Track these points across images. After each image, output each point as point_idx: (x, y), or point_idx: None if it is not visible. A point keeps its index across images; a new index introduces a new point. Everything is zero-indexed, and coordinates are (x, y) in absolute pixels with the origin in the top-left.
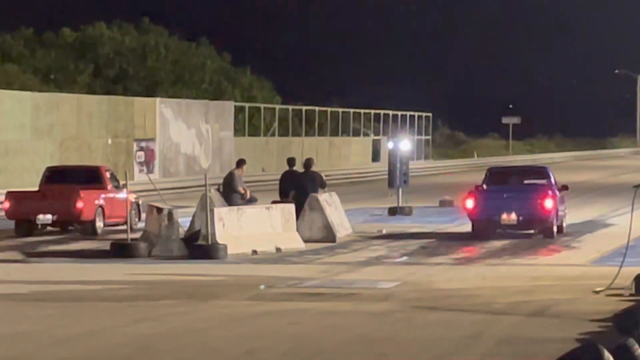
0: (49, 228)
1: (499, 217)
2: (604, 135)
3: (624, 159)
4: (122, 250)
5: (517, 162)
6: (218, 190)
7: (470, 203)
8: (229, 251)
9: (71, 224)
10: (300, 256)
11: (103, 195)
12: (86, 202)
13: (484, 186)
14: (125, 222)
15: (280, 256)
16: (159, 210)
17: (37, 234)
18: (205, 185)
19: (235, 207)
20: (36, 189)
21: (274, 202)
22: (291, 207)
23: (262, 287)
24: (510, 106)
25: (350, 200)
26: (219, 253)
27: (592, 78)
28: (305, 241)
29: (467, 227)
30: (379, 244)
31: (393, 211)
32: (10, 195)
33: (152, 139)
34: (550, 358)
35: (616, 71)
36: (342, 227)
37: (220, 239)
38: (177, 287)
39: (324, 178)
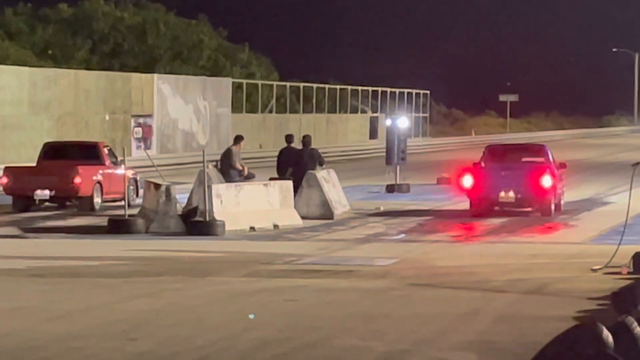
0: (46, 203)
1: (497, 195)
2: (601, 113)
3: (621, 137)
4: (119, 226)
5: (515, 139)
6: (216, 166)
7: (468, 181)
8: (227, 228)
9: (69, 200)
10: (298, 233)
11: (101, 171)
12: (84, 178)
13: (482, 163)
14: (123, 198)
15: (277, 233)
16: (157, 186)
17: (35, 210)
18: (203, 162)
19: (233, 184)
20: (34, 164)
21: (272, 178)
22: (289, 184)
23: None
24: (508, 84)
25: (348, 177)
26: (216, 229)
27: (590, 56)
28: (303, 218)
29: (464, 204)
30: (377, 221)
31: (391, 188)
32: (8, 170)
33: (150, 115)
34: (547, 336)
35: (615, 49)
36: (340, 204)
37: (217, 216)
38: (174, 264)
39: (322, 155)
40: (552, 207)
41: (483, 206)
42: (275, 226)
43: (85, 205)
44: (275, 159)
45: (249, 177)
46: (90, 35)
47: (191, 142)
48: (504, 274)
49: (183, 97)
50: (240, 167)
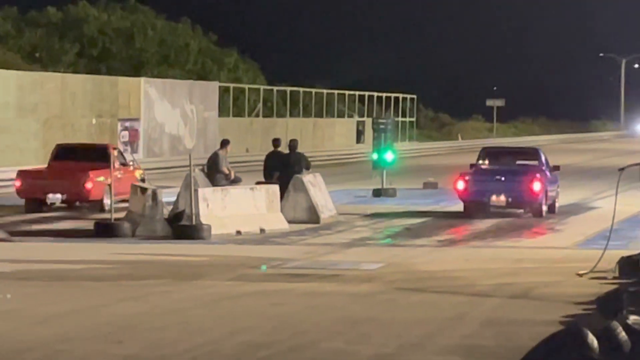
0: (57, 204)
1: (489, 198)
2: (588, 118)
3: (608, 142)
4: (105, 230)
5: (502, 144)
6: (202, 170)
7: (460, 184)
8: (213, 231)
9: (79, 201)
10: (284, 237)
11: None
12: (95, 182)
13: (478, 164)
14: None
15: (264, 237)
16: (143, 190)
17: (47, 211)
18: (189, 166)
19: (219, 188)
20: (38, 166)
21: (259, 182)
22: (275, 188)
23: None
24: (495, 88)
25: (335, 181)
26: (202, 233)
27: (577, 61)
28: (290, 222)
29: (451, 208)
30: (363, 226)
31: (377, 193)
32: (21, 174)
33: (137, 119)
34: (533, 340)
35: (601, 54)
36: (326, 208)
37: (204, 219)
38: (160, 267)
39: (309, 159)
40: (544, 208)
41: (476, 209)
42: (262, 230)
43: (96, 207)
44: (262, 163)
45: (236, 181)
46: (78, 38)
47: (178, 145)
48: (489, 278)
49: (170, 100)
50: (227, 171)
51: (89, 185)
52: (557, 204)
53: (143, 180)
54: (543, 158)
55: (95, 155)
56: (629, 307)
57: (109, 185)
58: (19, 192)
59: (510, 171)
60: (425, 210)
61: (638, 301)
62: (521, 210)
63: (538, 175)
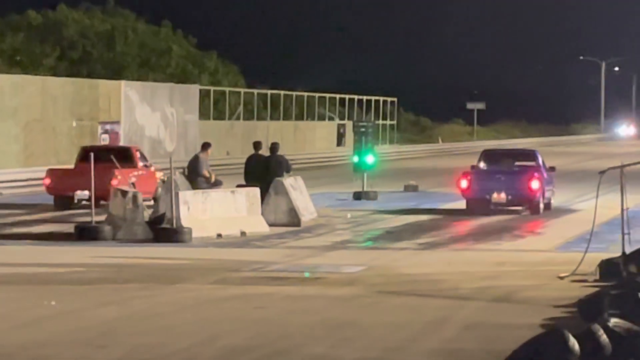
0: (84, 202)
1: (490, 196)
2: (568, 121)
3: (588, 146)
4: (86, 233)
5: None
6: (183, 173)
7: (464, 183)
8: (194, 234)
9: (104, 199)
10: (265, 240)
11: (134, 173)
12: (120, 181)
13: (478, 166)
14: (154, 198)
15: (245, 240)
16: (124, 193)
17: (75, 208)
18: (170, 169)
19: (200, 191)
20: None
21: (239, 185)
22: (256, 191)
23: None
24: (475, 92)
25: (315, 184)
26: (183, 236)
27: (557, 64)
28: (270, 225)
29: (429, 213)
30: (344, 229)
31: (358, 196)
32: (50, 172)
33: (117, 122)
34: (515, 343)
35: (581, 57)
36: (307, 211)
37: (185, 223)
38: (141, 271)
39: (289, 162)
40: (541, 206)
41: (478, 206)
42: (243, 233)
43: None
44: (243, 166)
45: (216, 184)
46: (58, 42)
47: (158, 149)
48: (471, 282)
49: (150, 104)
50: (208, 174)
51: (114, 182)
52: (552, 202)
53: (163, 181)
54: (540, 159)
55: (120, 157)
56: (610, 310)
57: (133, 184)
58: (48, 189)
59: (510, 171)
60: (406, 213)
61: (619, 304)
62: (519, 208)
63: (536, 174)
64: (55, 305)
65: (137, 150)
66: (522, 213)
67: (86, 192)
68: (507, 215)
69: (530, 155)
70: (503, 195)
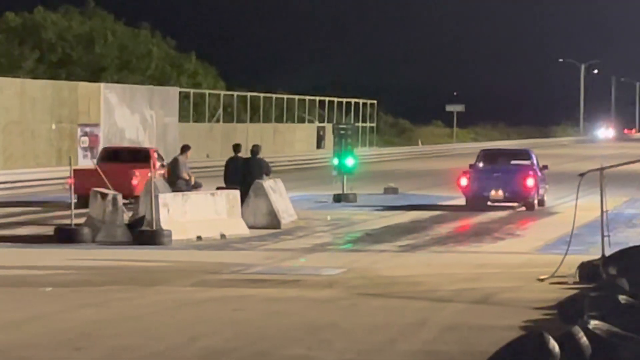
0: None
1: (489, 193)
2: (547, 123)
3: (567, 148)
4: (66, 236)
5: (463, 149)
6: (163, 176)
7: (464, 181)
8: (174, 237)
9: (126, 198)
10: (245, 242)
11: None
12: (140, 180)
13: (478, 165)
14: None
15: (224, 242)
16: (103, 195)
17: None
18: (150, 171)
19: (180, 193)
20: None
21: (219, 188)
22: (236, 194)
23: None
24: (455, 94)
25: (295, 187)
26: (163, 239)
27: (537, 67)
28: (250, 227)
29: (409, 215)
30: (324, 231)
31: (338, 198)
32: (76, 172)
33: (97, 125)
34: (495, 345)
35: (560, 60)
36: (287, 213)
37: (164, 225)
38: (121, 273)
39: (269, 165)
40: (535, 202)
41: (477, 203)
42: (223, 235)
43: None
44: (223, 168)
45: (196, 187)
46: (37, 44)
47: None
48: (451, 284)
49: (130, 106)
50: (188, 177)
51: (134, 182)
52: (546, 199)
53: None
54: (534, 158)
55: (139, 157)
56: (589, 312)
57: None
58: (74, 188)
59: (506, 170)
60: (386, 215)
61: (599, 306)
62: (515, 204)
63: (531, 173)
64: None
65: (155, 151)
66: (517, 209)
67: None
68: (501, 211)
69: (524, 154)
70: (500, 192)
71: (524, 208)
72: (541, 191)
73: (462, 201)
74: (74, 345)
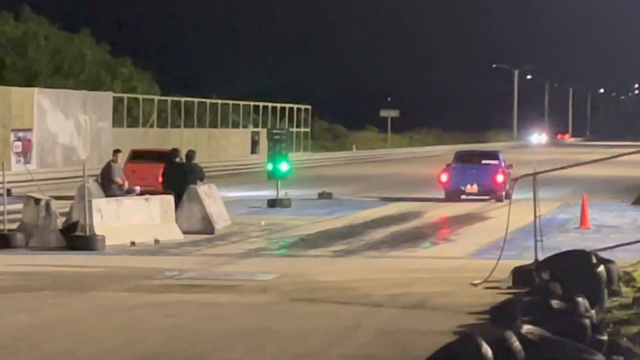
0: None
1: (465, 187)
2: (481, 129)
3: (502, 153)
4: None
5: (399, 154)
6: (96, 181)
7: (444, 177)
8: (107, 242)
9: (153, 193)
10: (179, 248)
11: None
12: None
13: (453, 165)
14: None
15: (158, 247)
16: (37, 200)
17: None
18: (83, 176)
19: (113, 198)
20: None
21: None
22: (170, 199)
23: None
24: (389, 99)
25: (229, 192)
26: (97, 244)
27: (471, 72)
28: (184, 233)
29: (343, 220)
30: (258, 236)
31: (272, 203)
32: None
33: (30, 130)
34: (428, 350)
35: (494, 65)
36: (221, 218)
37: (98, 230)
38: (55, 278)
39: (203, 170)
40: (503, 194)
41: (454, 196)
42: (156, 241)
43: None
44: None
45: (130, 192)
46: None
47: (71, 156)
48: (385, 289)
49: (63, 111)
50: (121, 182)
51: (161, 179)
52: (511, 193)
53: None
54: (501, 158)
55: (162, 157)
56: (522, 317)
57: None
58: None
59: (480, 167)
60: (320, 220)
61: (532, 311)
62: (487, 197)
63: (500, 170)
64: None
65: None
66: (489, 201)
67: (137, 188)
68: (473, 203)
69: (493, 155)
70: (475, 186)
71: (494, 200)
72: (507, 186)
73: (391, 207)
74: (8, 350)
